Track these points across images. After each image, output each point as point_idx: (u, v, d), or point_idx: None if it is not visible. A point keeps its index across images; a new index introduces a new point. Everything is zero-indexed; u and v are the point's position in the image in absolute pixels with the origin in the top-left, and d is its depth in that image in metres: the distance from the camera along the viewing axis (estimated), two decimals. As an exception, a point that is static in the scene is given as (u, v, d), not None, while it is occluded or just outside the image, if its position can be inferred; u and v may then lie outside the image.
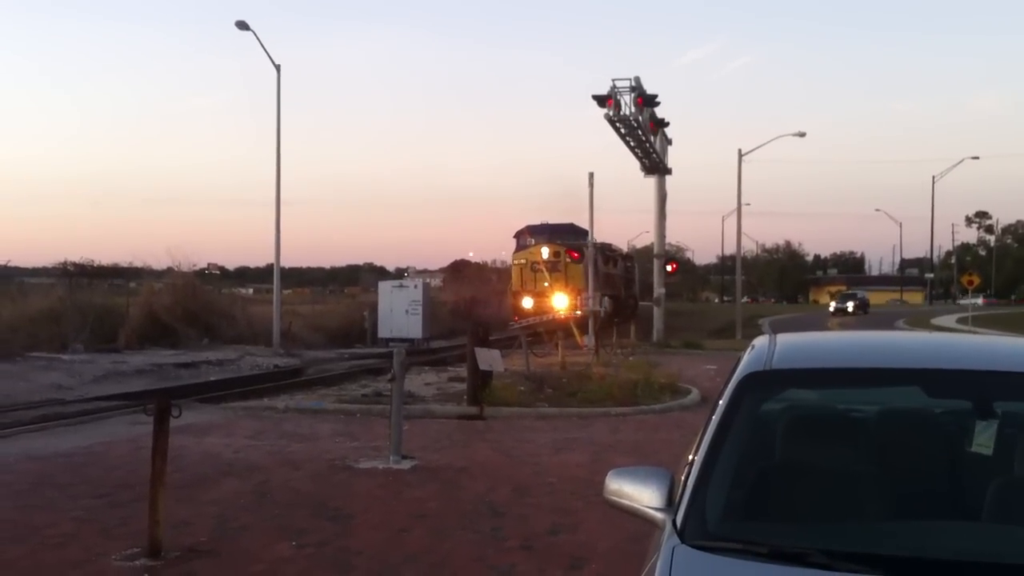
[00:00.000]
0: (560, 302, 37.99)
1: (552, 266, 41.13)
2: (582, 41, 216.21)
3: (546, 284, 40.62)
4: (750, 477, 3.60)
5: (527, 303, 39.48)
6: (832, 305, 72.49)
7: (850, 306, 68.39)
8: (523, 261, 42.61)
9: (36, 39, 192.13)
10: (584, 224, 44.47)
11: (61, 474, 10.70)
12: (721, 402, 3.80)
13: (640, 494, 3.53)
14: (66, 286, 33.58)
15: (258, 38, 31.68)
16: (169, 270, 36.48)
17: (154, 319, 31.59)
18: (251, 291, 61.58)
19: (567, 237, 43.11)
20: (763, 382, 3.87)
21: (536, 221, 46.52)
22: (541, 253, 41.82)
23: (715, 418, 3.71)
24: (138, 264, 37.67)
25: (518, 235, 46.15)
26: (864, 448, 3.89)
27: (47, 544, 7.76)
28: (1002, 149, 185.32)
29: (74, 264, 35.38)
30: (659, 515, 3.44)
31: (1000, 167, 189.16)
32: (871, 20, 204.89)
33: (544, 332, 31.28)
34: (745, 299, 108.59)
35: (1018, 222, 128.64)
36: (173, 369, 24.60)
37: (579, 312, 35.49)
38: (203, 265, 46.94)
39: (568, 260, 40.86)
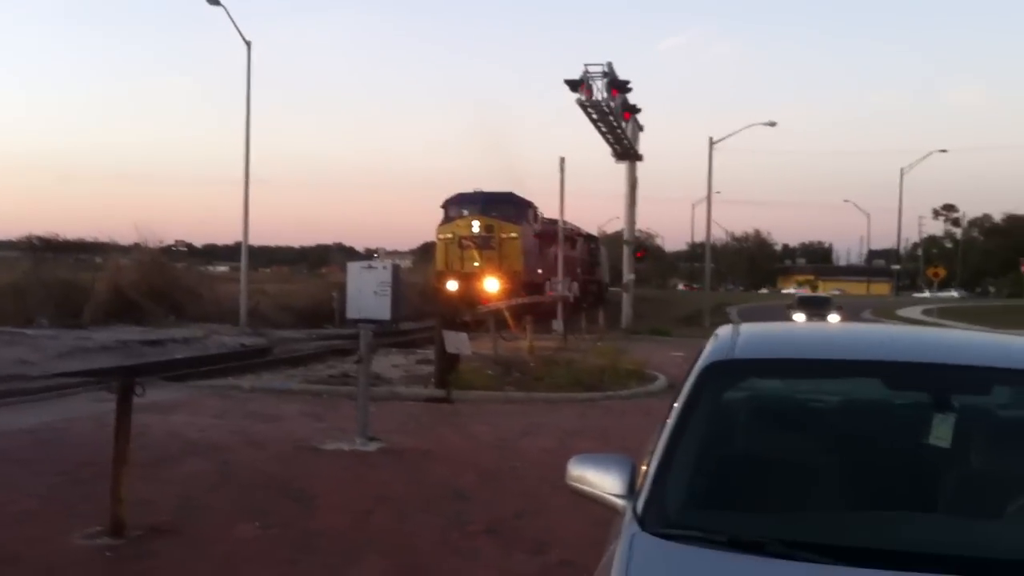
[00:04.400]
0: (491, 286, 33.43)
1: (483, 242, 35.39)
2: (556, 25, 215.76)
3: (476, 264, 35.14)
4: (711, 466, 3.63)
5: (452, 286, 34.20)
6: (797, 315, 34.35)
7: (835, 316, 34.26)
8: (449, 236, 36.30)
9: (5, 13, 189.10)
10: (526, 194, 39.40)
11: (23, 450, 10.61)
12: (684, 390, 3.83)
13: (602, 481, 3.56)
14: (31, 260, 33.28)
15: (228, 13, 31.39)
16: (136, 246, 36.20)
17: (120, 295, 31.29)
18: (226, 269, 60.95)
19: (506, 209, 36.84)
20: (726, 371, 3.91)
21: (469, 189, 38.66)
22: (471, 226, 35.71)
23: (677, 406, 3.74)
24: (104, 239, 37.36)
25: (446, 205, 37.98)
26: (824, 439, 3.93)
27: (8, 521, 7.69)
28: (971, 143, 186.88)
29: (39, 238, 35.15)
30: (620, 502, 3.47)
31: (968, 161, 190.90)
32: (847, 11, 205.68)
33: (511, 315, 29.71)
34: (686, 286, 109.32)
35: (984, 215, 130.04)
36: (138, 346, 24.37)
37: (547, 297, 33.86)
38: (170, 242, 46.63)
39: (503, 236, 35.44)
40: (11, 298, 28.10)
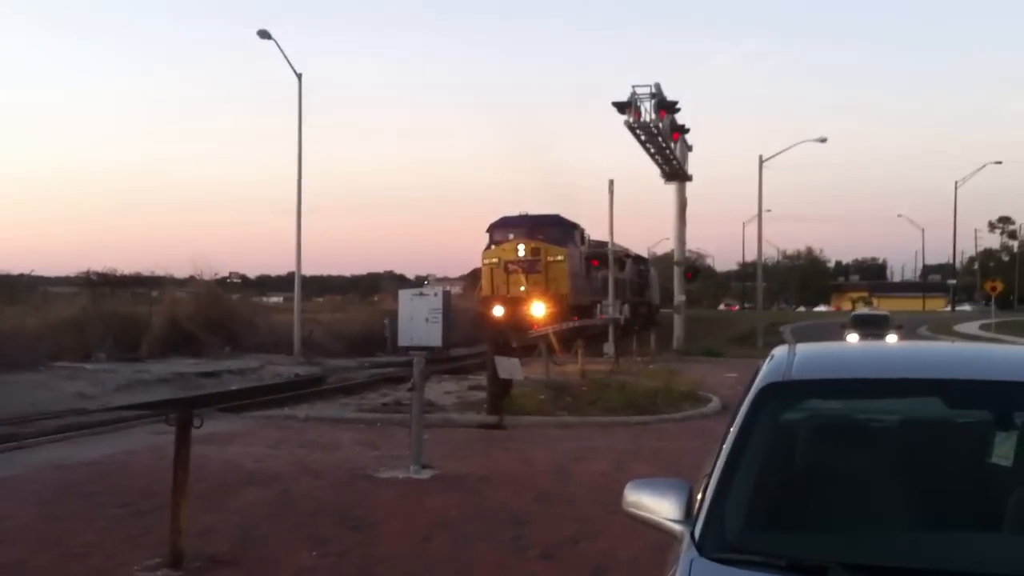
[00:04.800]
0: (538, 310, 32.78)
1: (529, 266, 34.82)
2: (603, 45, 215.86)
3: (522, 288, 34.45)
4: (769, 488, 3.58)
5: (498, 311, 33.38)
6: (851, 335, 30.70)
7: (892, 337, 29.66)
8: (495, 260, 35.84)
9: (55, 46, 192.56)
10: (572, 216, 38.90)
11: (85, 483, 10.76)
12: (740, 412, 3.78)
13: (659, 506, 3.53)
14: (89, 295, 33.87)
15: (279, 47, 31.93)
16: (191, 279, 36.73)
17: (176, 328, 31.73)
18: (280, 299, 61.51)
19: (552, 231, 36.20)
20: (783, 392, 3.85)
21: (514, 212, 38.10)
22: (516, 250, 35.23)
23: (734, 429, 3.69)
24: (160, 273, 37.94)
25: (491, 229, 37.41)
26: (885, 459, 3.87)
27: (71, 553, 7.81)
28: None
29: (97, 273, 35.77)
30: (678, 527, 3.43)
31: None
32: (893, 24, 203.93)
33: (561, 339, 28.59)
34: (728, 306, 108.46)
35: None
36: (195, 378, 24.69)
37: (576, 322, 33.01)
38: (225, 274, 47.19)
39: (550, 259, 34.88)
40: (70, 333, 28.61)
